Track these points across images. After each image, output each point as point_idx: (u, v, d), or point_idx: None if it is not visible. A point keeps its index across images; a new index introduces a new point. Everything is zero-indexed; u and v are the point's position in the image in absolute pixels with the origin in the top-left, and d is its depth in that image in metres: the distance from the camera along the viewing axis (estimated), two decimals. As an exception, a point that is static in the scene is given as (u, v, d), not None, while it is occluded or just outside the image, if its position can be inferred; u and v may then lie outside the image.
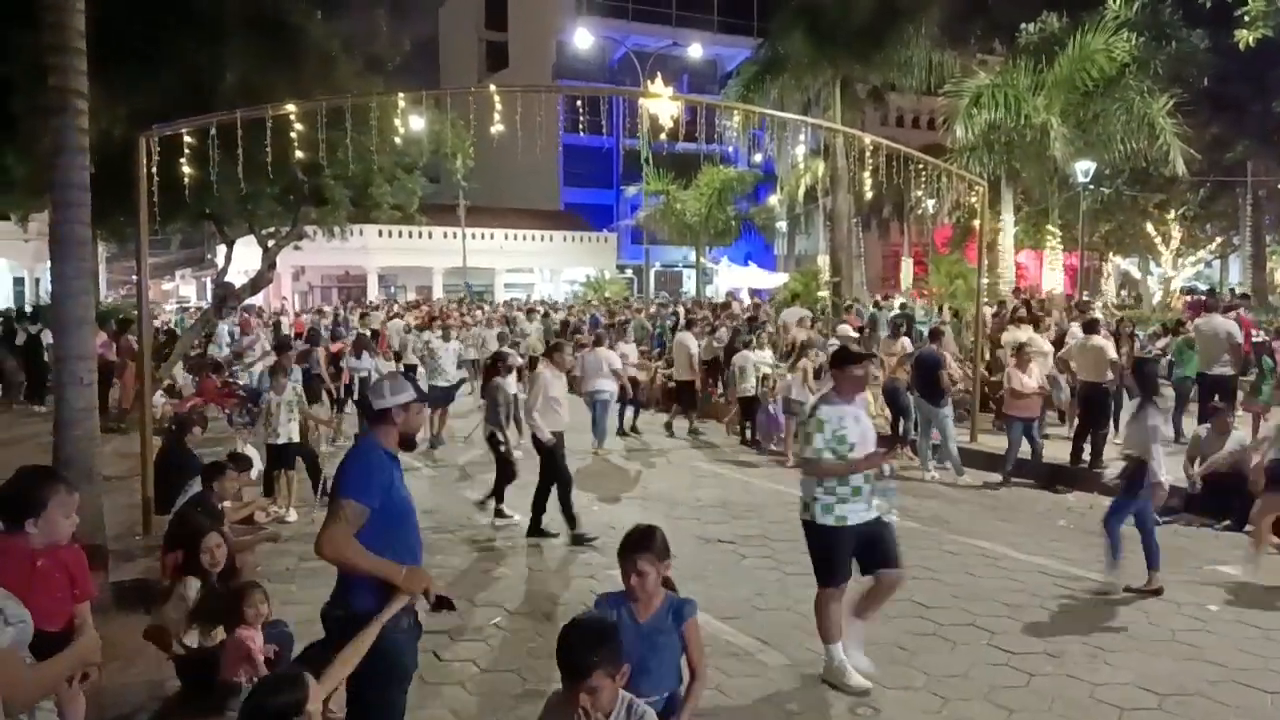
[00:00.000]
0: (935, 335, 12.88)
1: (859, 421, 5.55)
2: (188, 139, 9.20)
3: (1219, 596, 7.17)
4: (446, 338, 14.99)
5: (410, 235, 40.62)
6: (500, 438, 9.57)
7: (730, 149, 36.93)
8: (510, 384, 10.01)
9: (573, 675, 2.76)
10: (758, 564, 8.19)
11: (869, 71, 24.32)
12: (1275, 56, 18.77)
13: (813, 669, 5.84)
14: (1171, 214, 32.54)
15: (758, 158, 38.03)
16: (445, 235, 40.46)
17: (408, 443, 3.92)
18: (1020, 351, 11.46)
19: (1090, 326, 12.07)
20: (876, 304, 21.02)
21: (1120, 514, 7.30)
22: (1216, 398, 11.28)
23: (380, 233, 40.76)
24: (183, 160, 9.29)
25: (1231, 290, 25.23)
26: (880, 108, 30.16)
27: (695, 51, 41.85)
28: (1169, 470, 7.47)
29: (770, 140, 29.17)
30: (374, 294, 41.29)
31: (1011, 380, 11.26)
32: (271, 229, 17.05)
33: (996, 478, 11.32)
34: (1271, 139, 21.89)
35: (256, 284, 16.83)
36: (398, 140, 10.74)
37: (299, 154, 9.74)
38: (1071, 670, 5.82)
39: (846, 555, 5.48)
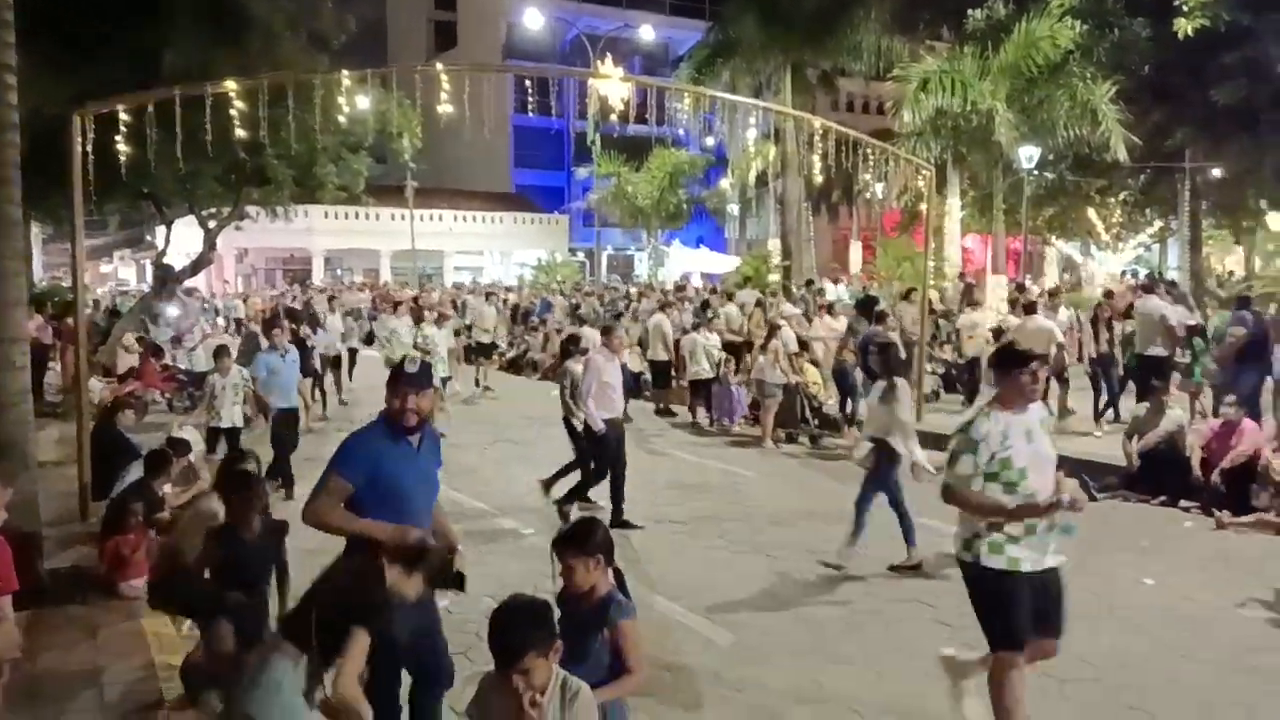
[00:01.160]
0: (881, 317, 13.08)
1: (1031, 438, 4.27)
2: (124, 117, 8.96)
3: (1156, 571, 7.36)
4: (440, 325, 14.74)
5: (357, 217, 39.97)
6: (576, 424, 9.09)
7: (682, 132, 36.93)
8: (579, 368, 9.39)
9: (505, 659, 2.74)
10: (709, 544, 8.25)
11: (819, 56, 24.42)
12: (1213, 46, 19.16)
13: (760, 647, 5.92)
14: (1113, 199, 33.20)
15: (709, 141, 38.04)
16: (393, 217, 39.90)
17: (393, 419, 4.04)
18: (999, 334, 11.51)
19: (1029, 308, 12.30)
20: (809, 283, 21.16)
21: (867, 495, 7.47)
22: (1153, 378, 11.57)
23: (326, 214, 40.02)
24: (119, 139, 9.05)
25: (1155, 274, 25.86)
26: (831, 93, 30.30)
27: (647, 34, 41.67)
28: (916, 453, 7.58)
29: (721, 123, 29.22)
30: (319, 276, 40.64)
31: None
32: (213, 209, 16.71)
33: (941, 457, 11.50)
34: (1209, 127, 22.38)
35: (197, 265, 16.51)
36: (342, 119, 10.54)
37: (240, 132, 9.52)
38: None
39: (1025, 608, 4.25)
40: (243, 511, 4.84)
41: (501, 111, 44.07)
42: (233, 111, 9.22)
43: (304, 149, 13.86)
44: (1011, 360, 4.39)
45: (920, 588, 6.96)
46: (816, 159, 13.09)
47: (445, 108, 10.00)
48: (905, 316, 14.44)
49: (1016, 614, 4.24)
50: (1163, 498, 9.41)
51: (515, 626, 2.78)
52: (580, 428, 8.97)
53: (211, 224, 16.45)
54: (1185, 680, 5.45)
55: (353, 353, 17.40)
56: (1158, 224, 35.16)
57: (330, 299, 20.31)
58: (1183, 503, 9.24)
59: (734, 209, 42.01)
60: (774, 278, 26.87)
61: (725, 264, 36.57)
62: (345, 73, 9.60)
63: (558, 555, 3.37)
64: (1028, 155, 21.59)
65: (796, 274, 24.49)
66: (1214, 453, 9.28)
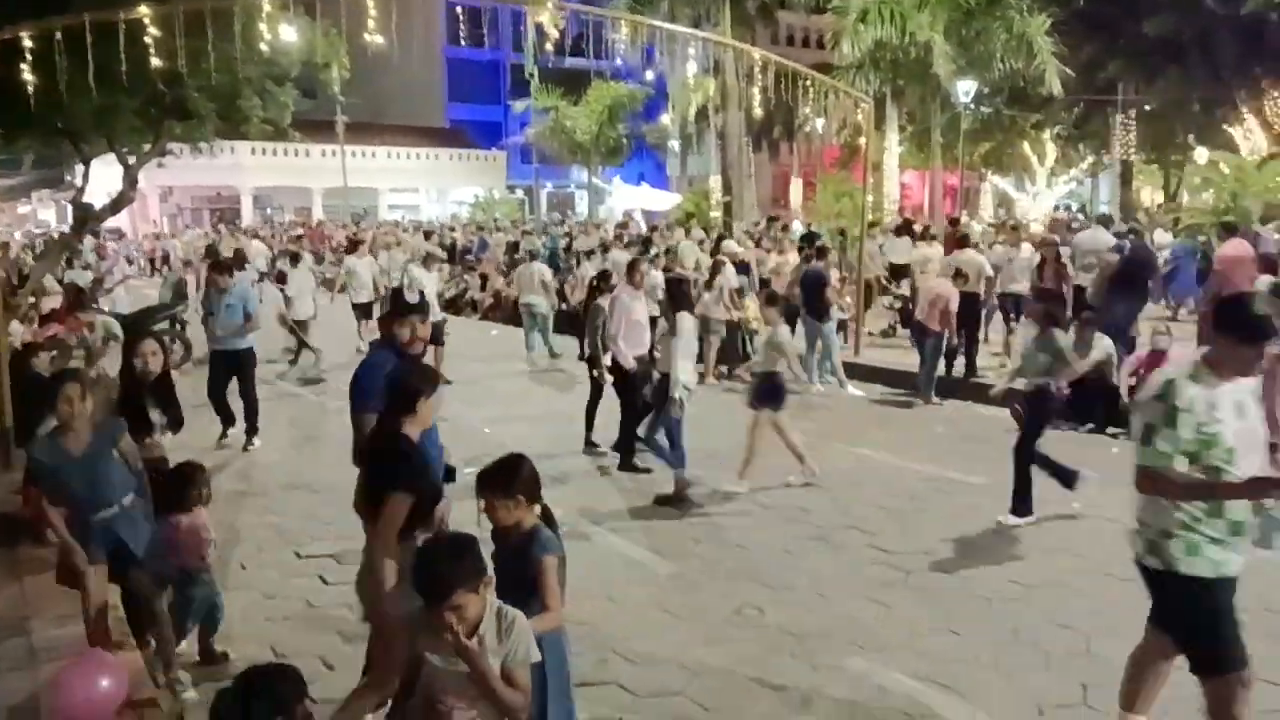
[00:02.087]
0: (821, 253, 13.13)
1: (1243, 413, 3.45)
2: (29, 44, 8.46)
3: (1084, 495, 7.57)
4: (429, 267, 13.99)
5: (286, 153, 38.83)
6: (605, 362, 8.75)
7: (620, 63, 36.29)
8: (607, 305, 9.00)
9: (433, 597, 2.69)
10: (655, 478, 8.26)
11: (760, -17, 24.08)
12: (1147, -22, 19.39)
13: (701, 576, 5.99)
14: (1047, 134, 33.64)
15: (649, 75, 37.50)
16: (324, 153, 38.83)
17: (388, 342, 4.67)
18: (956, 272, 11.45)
19: (962, 241, 12.45)
20: (772, 219, 21.18)
21: (653, 429, 7.78)
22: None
23: (254, 150, 38.75)
24: (24, 68, 8.54)
25: (1079, 209, 26.45)
26: (770, 25, 30.02)
27: (583, -39, 40.64)
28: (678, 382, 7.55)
29: (661, 55, 28.77)
30: (249, 216, 39.48)
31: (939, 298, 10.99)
32: (133, 146, 16.00)
33: (879, 389, 11.70)
34: (1140, 60, 22.69)
35: (117, 204, 15.79)
36: (264, 47, 10.06)
37: (156, 61, 9.05)
38: (945, 566, 6.11)
39: (1235, 618, 3.54)
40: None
41: (434, 43, 42.85)
42: (147, 39, 8.75)
43: (226, 81, 13.25)
44: (1247, 327, 3.37)
45: (858, 515, 7.08)
46: (756, 92, 12.95)
47: (374, 37, 9.61)
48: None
49: (1230, 626, 3.51)
50: (1090, 425, 9.68)
51: (440, 563, 2.73)
52: (609, 366, 8.71)
53: (131, 160, 15.76)
54: (1113, 598, 5.63)
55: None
56: (1090, 159, 35.77)
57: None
58: (1110, 429, 9.51)
59: (675, 145, 41.67)
60: (716, 214, 26.82)
61: (667, 201, 36.36)
62: (266, -3, 9.15)
63: (479, 493, 3.36)
64: (965, 89, 21.68)
65: (738, 210, 24.44)
66: (1143, 380, 9.54)
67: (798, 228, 21.39)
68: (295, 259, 16.01)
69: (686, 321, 7.74)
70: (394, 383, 3.83)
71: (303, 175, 40.71)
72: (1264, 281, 9.89)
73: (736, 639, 5.16)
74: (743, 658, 4.92)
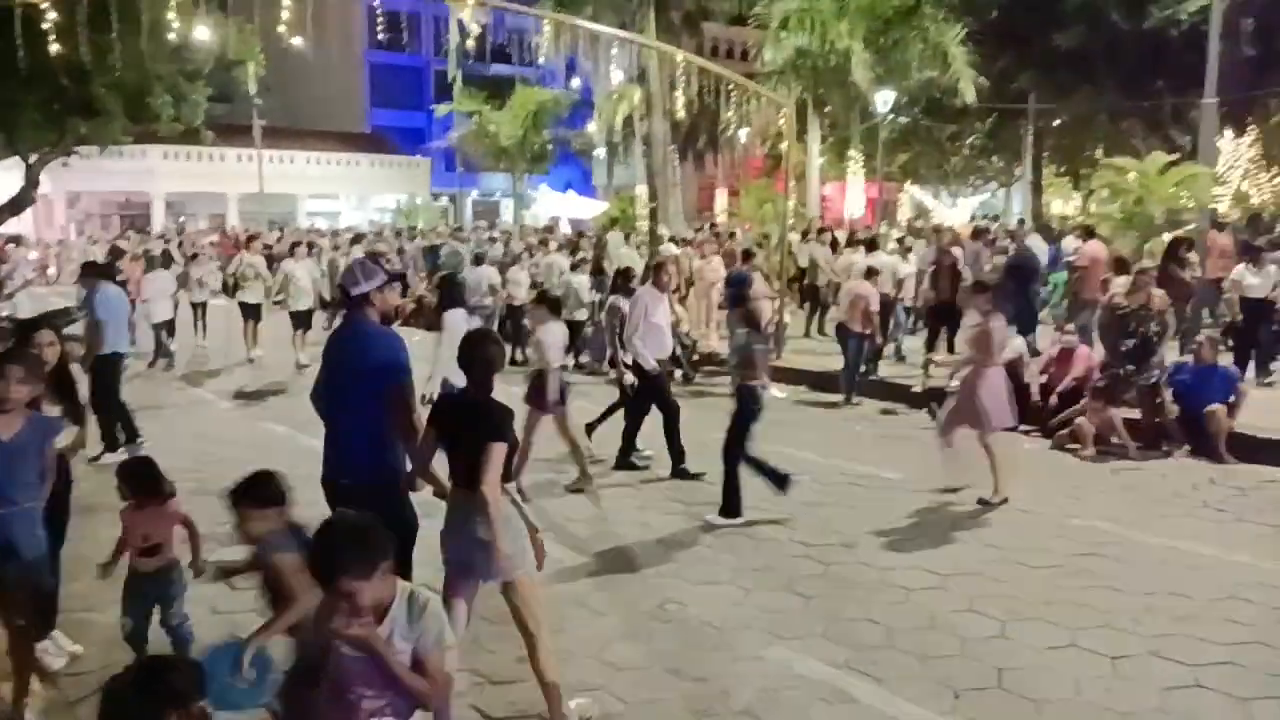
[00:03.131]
0: (747, 256, 13.30)
1: None
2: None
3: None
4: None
5: (200, 158, 37.70)
6: (625, 362, 8.43)
7: (546, 72, 36.21)
8: (626, 305, 8.75)
9: (323, 582, 2.60)
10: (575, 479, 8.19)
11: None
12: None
13: (623, 572, 5.94)
14: (963, 145, 34.53)
15: (575, 83, 37.45)
16: (240, 158, 37.82)
17: (388, 320, 4.63)
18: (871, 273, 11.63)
19: (871, 245, 12.86)
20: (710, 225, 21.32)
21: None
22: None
23: (166, 155, 37.59)
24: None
25: (993, 218, 27.29)
26: (695, 36, 30.14)
27: (509, -30, 40.48)
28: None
29: (585, 60, 28.75)
30: (160, 222, 38.17)
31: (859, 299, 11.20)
32: (35, 144, 15.37)
33: (801, 389, 11.82)
34: (1051, 72, 23.45)
35: (17, 205, 15.24)
36: (173, 37, 9.72)
37: (58, 48, 8.69)
38: (864, 558, 6.16)
39: None
40: None
41: (355, 48, 42.19)
42: (46, 25, 8.40)
43: (135, 76, 12.88)
44: None
45: (779, 510, 7.09)
46: (679, 93, 13.01)
47: (295, 39, 9.38)
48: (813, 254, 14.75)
49: None
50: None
51: (329, 548, 2.63)
52: (629, 367, 8.38)
53: (33, 159, 15.16)
54: (1023, 584, 5.75)
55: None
56: (1003, 170, 36.82)
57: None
58: (1023, 426, 9.73)
59: (601, 154, 41.63)
60: (643, 224, 26.84)
61: (593, 209, 36.30)
62: (173, -14, 8.85)
63: (232, 508, 3.59)
64: (884, 99, 22.14)
65: (663, 217, 24.46)
66: (1052, 377, 9.81)
67: (671, 248, 21.60)
68: (166, 261, 15.29)
69: (451, 322, 7.70)
70: (484, 350, 4.07)
71: (218, 181, 39.56)
72: (1119, 282, 10.66)
73: (657, 633, 5.12)
74: (663, 652, 4.87)
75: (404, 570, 4.05)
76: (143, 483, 4.58)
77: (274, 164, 38.89)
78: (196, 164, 38.22)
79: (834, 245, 15.63)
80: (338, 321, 5.79)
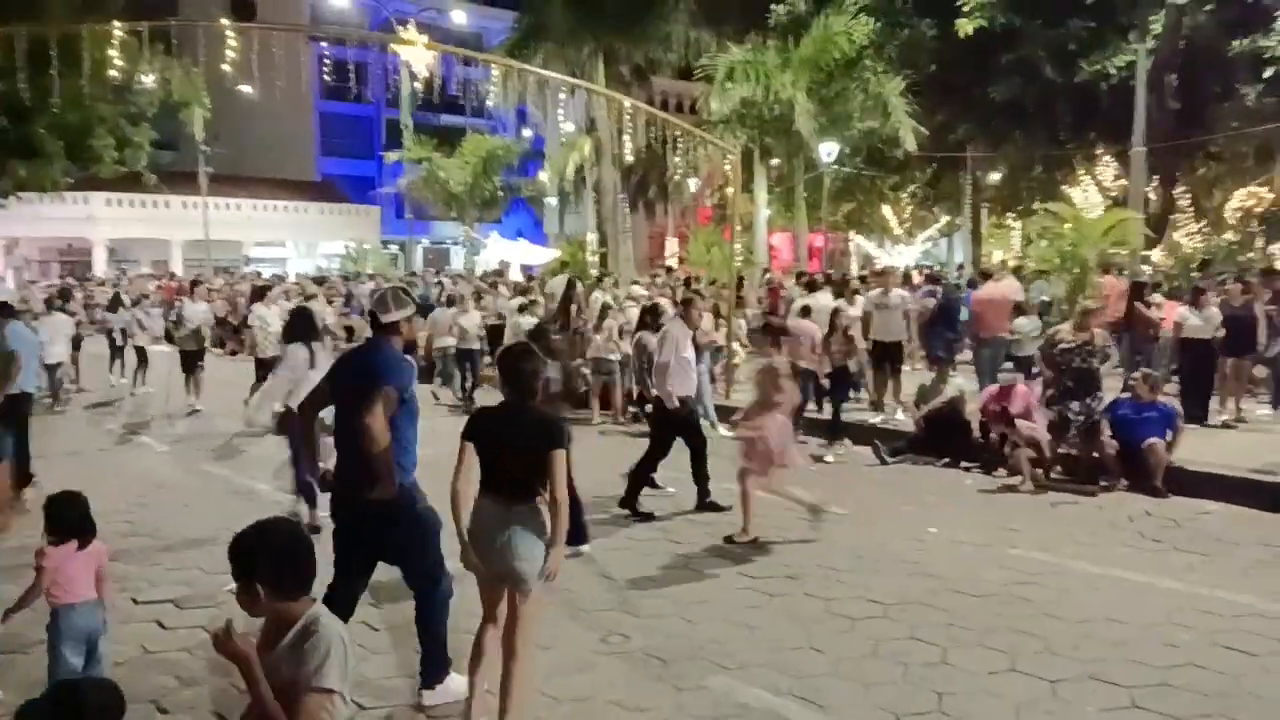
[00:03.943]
0: (686, 304, 13.41)
1: None
2: None
3: (939, 521, 7.83)
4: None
5: (144, 205, 37.33)
6: (649, 397, 8.44)
7: (497, 122, 36.42)
8: (654, 341, 8.78)
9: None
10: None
11: (630, 44, 24.67)
12: (992, 47, 20.73)
13: (567, 604, 5.87)
14: (904, 195, 35.37)
15: (527, 133, 37.79)
16: (185, 205, 37.35)
17: (409, 349, 4.91)
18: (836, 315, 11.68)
19: (811, 286, 13.23)
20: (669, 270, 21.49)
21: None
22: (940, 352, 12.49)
23: (109, 201, 37.13)
24: None
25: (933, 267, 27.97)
26: (644, 88, 30.69)
27: (459, 18, 40.90)
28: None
29: (535, 110, 29.11)
30: (101, 268, 37.47)
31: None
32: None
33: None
34: (988, 124, 24.19)
35: (-48, 246, 14.85)
36: (114, 74, 9.61)
37: (-6, 87, 8.59)
38: (809, 589, 6.17)
39: None
40: None
41: (304, 96, 42.05)
42: (-18, 63, 8.30)
43: (76, 118, 12.74)
44: None
45: (724, 544, 7.09)
46: (627, 138, 13.19)
47: (243, 86, 9.34)
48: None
49: None
50: (946, 459, 10.04)
51: (232, 550, 2.55)
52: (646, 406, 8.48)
53: (-32, 201, 14.84)
54: (963, 612, 5.80)
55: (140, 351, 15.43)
56: (944, 219, 37.73)
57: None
58: (964, 463, 9.89)
59: (553, 202, 41.89)
60: (592, 265, 26.99)
61: (545, 256, 36.32)
62: (117, 25, 8.79)
63: None
64: (827, 150, 22.65)
65: (613, 262, 24.67)
66: (991, 415, 9.98)
67: (638, 290, 21.82)
68: (63, 300, 15.52)
69: (293, 351, 7.47)
70: (526, 362, 4.23)
71: (161, 226, 39.06)
72: (1021, 322, 11.76)
73: (601, 666, 5.06)
74: (608, 683, 4.83)
75: (437, 560, 4.54)
76: (68, 520, 4.42)
77: (220, 210, 38.50)
78: (140, 210, 37.79)
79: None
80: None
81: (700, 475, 8.18)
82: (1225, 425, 10.85)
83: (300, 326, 7.70)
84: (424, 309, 16.09)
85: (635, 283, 18.06)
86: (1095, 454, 9.08)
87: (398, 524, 4.41)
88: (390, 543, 4.46)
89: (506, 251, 36.62)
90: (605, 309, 13.25)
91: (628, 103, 13.09)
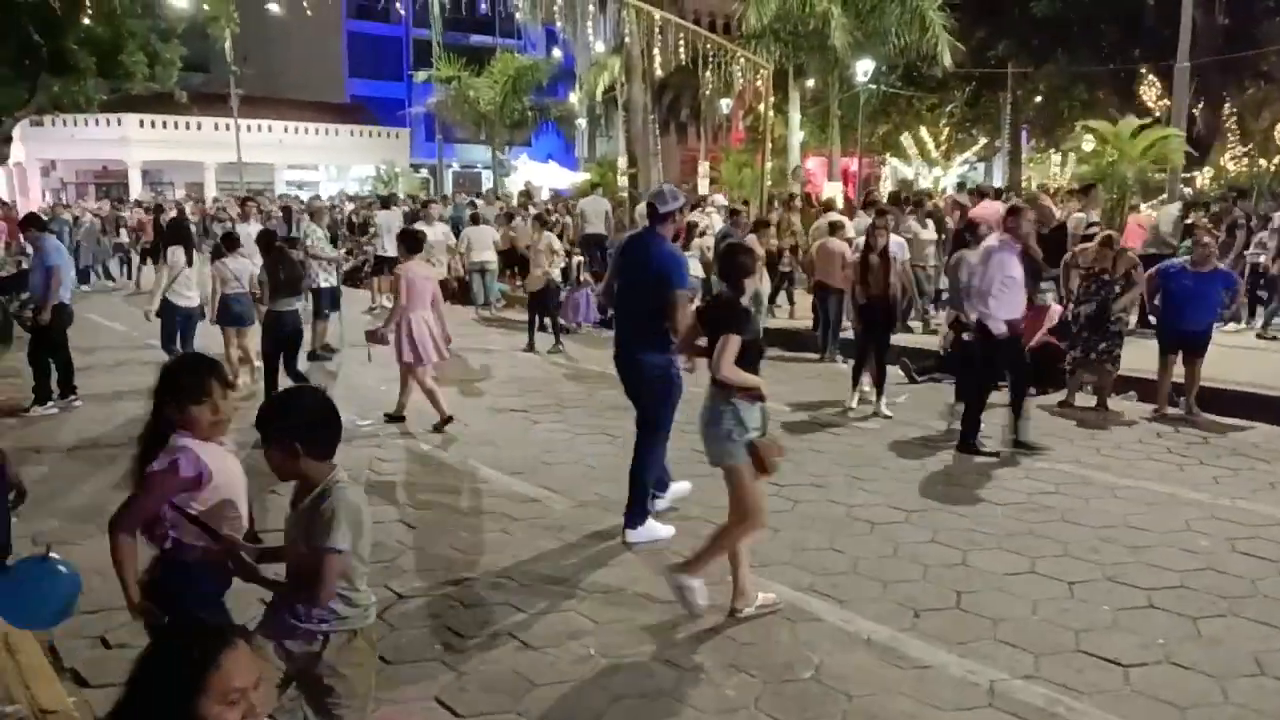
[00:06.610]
0: (734, 213, 13.21)
1: None
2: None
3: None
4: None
5: (177, 126, 37.40)
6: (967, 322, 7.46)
7: (528, 42, 35.86)
8: (974, 258, 7.70)
9: None
10: (549, 427, 8.28)
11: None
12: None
13: (591, 507, 6.04)
14: (942, 116, 34.56)
15: (557, 53, 37.19)
16: (217, 127, 37.39)
17: (676, 238, 5.71)
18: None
19: (829, 206, 13.21)
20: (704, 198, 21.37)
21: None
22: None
23: (142, 123, 37.25)
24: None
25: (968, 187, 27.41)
26: (676, 4, 30.10)
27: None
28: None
29: (564, 29, 28.62)
30: (137, 190, 37.78)
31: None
32: (5, 101, 15.18)
33: (775, 350, 11.92)
34: (1028, 41, 23.49)
35: (-11, 164, 15.04)
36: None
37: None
38: (832, 496, 6.28)
39: None
40: None
41: (333, 14, 41.70)
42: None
43: (107, 32, 12.72)
44: None
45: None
46: (656, 52, 13.00)
47: (272, 4, 9.28)
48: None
49: None
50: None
51: (262, 411, 2.73)
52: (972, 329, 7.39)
53: (3, 119, 14.97)
54: (985, 519, 5.88)
55: None
56: (982, 141, 36.92)
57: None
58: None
59: (583, 124, 41.41)
60: (622, 188, 26.77)
61: (575, 179, 36.11)
62: (143, -65, 8.75)
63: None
64: (864, 68, 22.13)
65: (644, 183, 24.42)
66: (1024, 334, 9.90)
67: (720, 200, 21.59)
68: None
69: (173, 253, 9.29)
70: (737, 259, 4.64)
71: (194, 149, 39.15)
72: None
73: (628, 561, 5.22)
74: (631, 578, 4.98)
75: (662, 418, 5.55)
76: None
77: (251, 133, 38.50)
78: (173, 132, 37.88)
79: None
80: None
81: (1017, 404, 7.40)
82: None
83: (177, 232, 9.47)
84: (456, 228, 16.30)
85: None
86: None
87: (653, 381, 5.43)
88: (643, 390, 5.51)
89: (536, 174, 36.44)
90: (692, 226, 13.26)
91: (658, 14, 12.85)
